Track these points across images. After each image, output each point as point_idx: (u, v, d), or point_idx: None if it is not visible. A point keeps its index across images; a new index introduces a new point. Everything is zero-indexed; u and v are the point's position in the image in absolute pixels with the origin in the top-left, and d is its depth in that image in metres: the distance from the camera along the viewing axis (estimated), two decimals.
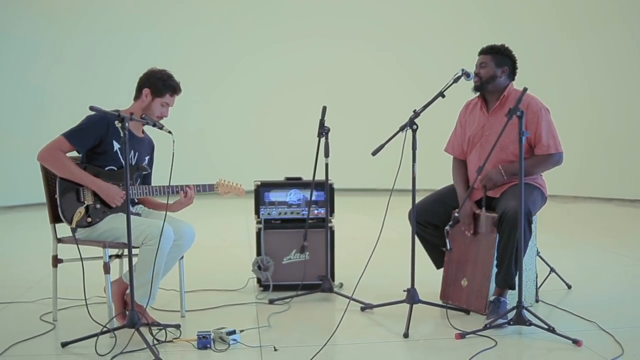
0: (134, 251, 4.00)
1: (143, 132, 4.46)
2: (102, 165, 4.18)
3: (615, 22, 10.03)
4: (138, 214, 4.33)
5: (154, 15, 11.10)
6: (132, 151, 4.29)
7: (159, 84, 4.27)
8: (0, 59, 10.30)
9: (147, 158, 4.46)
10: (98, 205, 4.13)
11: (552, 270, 4.98)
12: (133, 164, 4.29)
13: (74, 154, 4.24)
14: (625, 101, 10.08)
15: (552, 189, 4.75)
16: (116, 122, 3.79)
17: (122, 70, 10.22)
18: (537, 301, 4.62)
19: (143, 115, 4.09)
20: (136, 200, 4.42)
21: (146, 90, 4.27)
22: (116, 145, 4.19)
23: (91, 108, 3.88)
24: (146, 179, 4.48)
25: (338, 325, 4.04)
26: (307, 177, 5.08)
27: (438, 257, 4.72)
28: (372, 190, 10.80)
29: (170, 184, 4.23)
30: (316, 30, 11.32)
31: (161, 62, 9.10)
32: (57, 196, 4.09)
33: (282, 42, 11.36)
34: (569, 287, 4.99)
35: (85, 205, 4.09)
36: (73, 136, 4.09)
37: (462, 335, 3.89)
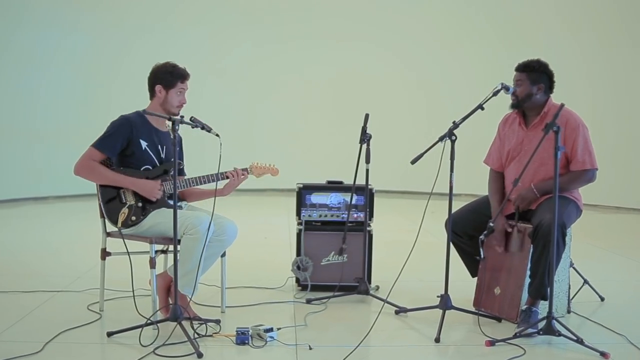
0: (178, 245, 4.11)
1: (167, 126, 4.54)
2: (137, 167, 4.32)
3: (617, 32, 10.21)
4: (180, 208, 4.45)
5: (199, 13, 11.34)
6: (159, 145, 4.40)
7: (167, 77, 4.36)
8: (64, 53, 10.56)
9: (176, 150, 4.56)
10: (140, 204, 4.28)
11: (585, 282, 5.00)
12: (163, 157, 4.41)
13: None
14: (626, 112, 10.25)
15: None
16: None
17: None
18: (569, 312, 4.66)
19: (192, 118, 4.20)
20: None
21: (158, 87, 4.36)
22: (144, 144, 4.32)
23: (122, 116, 4.12)
24: (181, 172, 4.59)
25: (372, 327, 4.13)
26: (347, 179, 5.16)
27: (473, 266, 4.77)
28: (413, 193, 10.84)
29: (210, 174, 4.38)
30: (360, 34, 11.42)
31: (209, 62, 9.30)
32: (99, 202, 4.26)
33: (325, 44, 11.48)
34: (602, 299, 5.00)
35: (127, 206, 4.25)
36: (102, 144, 4.24)
37: (492, 343, 3.96)
